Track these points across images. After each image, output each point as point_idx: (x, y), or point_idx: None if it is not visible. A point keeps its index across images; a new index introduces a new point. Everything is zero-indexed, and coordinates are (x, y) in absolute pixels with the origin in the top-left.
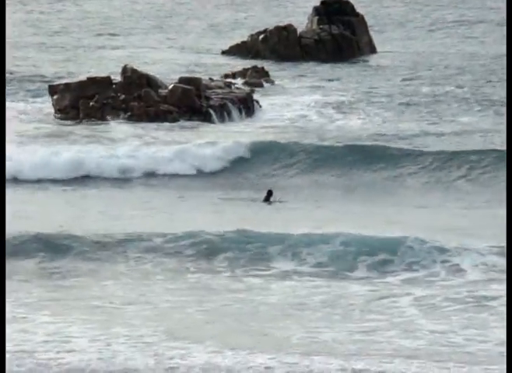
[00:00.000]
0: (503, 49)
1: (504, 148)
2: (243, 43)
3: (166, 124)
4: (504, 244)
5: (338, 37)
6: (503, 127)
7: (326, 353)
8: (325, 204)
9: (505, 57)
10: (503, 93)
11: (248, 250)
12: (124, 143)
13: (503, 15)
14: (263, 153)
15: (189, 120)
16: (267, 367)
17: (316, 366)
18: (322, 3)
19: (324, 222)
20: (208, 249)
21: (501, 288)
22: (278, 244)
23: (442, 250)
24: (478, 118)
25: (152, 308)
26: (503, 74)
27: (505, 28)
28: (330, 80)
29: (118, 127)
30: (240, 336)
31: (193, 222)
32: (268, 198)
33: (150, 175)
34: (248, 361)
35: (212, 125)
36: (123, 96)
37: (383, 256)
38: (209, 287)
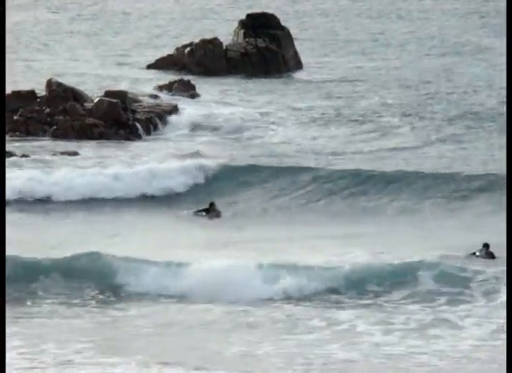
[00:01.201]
0: (425, 63)
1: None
2: (169, 56)
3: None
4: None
5: (264, 51)
6: (428, 145)
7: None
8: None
9: (426, 71)
10: (430, 108)
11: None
12: None
13: (424, 30)
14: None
15: (115, 133)
16: None
17: None
18: (248, 16)
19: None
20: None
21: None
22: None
23: None
24: (402, 136)
25: (83, 323)
26: (424, 88)
27: (427, 42)
28: (255, 94)
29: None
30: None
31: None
32: (208, 210)
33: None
34: None
35: (139, 143)
36: (48, 110)
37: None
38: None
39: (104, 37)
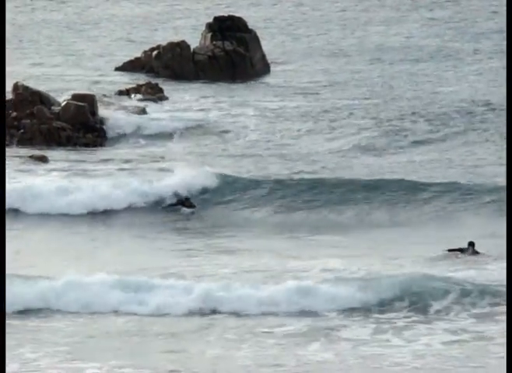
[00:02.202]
0: (389, 66)
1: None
2: (136, 59)
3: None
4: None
5: (232, 53)
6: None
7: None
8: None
9: (392, 74)
10: (399, 111)
11: None
12: None
13: (390, 36)
14: None
15: (83, 137)
16: None
17: None
18: (215, 19)
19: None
20: None
21: None
22: None
23: None
24: (368, 139)
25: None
26: (390, 90)
27: (391, 46)
28: (223, 97)
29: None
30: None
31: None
32: (178, 203)
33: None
34: None
35: (107, 150)
36: (15, 114)
37: None
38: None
39: (70, 40)
